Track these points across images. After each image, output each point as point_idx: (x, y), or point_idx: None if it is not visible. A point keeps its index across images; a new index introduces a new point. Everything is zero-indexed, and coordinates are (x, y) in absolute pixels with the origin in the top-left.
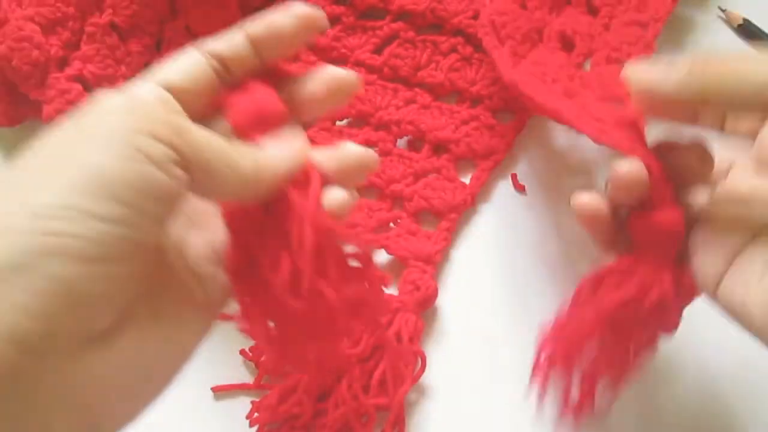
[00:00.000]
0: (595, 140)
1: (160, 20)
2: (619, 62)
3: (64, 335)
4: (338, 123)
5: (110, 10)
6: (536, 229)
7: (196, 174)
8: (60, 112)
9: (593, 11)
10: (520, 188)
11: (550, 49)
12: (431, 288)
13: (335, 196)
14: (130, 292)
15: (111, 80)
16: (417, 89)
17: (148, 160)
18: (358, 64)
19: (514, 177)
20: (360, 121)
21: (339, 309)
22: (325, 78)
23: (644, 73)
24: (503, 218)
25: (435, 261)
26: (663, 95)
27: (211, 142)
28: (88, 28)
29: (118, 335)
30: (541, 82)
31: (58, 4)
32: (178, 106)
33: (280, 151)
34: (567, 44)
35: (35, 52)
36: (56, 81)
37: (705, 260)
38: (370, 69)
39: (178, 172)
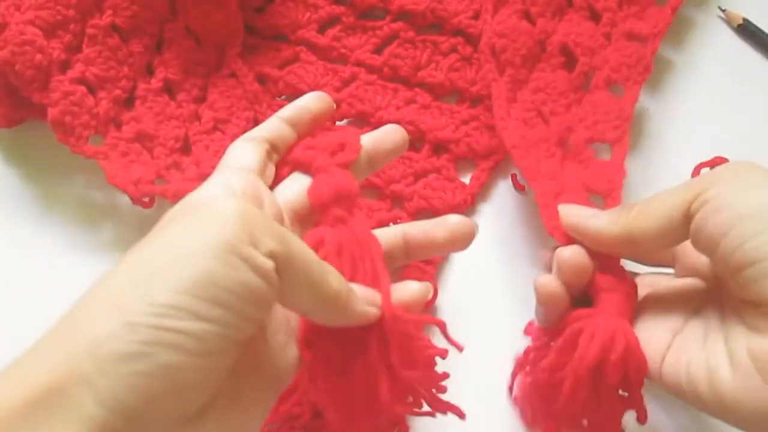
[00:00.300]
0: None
1: (160, 21)
2: (618, 84)
3: (162, 414)
4: (338, 123)
5: (110, 12)
6: (536, 229)
7: (285, 280)
8: (65, 114)
9: (595, 17)
10: (519, 188)
11: (552, 66)
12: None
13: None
14: (222, 379)
15: (113, 81)
16: (417, 89)
17: (251, 268)
18: (358, 64)
19: (513, 177)
20: (360, 121)
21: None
22: (447, 226)
23: (573, 216)
24: (503, 218)
25: (435, 261)
26: (592, 234)
27: (306, 255)
28: (89, 30)
29: (204, 416)
30: (531, 139)
31: (58, 7)
32: (278, 212)
33: (366, 296)
34: (569, 58)
35: (38, 56)
36: (59, 84)
37: (650, 337)
38: (370, 69)
39: (276, 279)
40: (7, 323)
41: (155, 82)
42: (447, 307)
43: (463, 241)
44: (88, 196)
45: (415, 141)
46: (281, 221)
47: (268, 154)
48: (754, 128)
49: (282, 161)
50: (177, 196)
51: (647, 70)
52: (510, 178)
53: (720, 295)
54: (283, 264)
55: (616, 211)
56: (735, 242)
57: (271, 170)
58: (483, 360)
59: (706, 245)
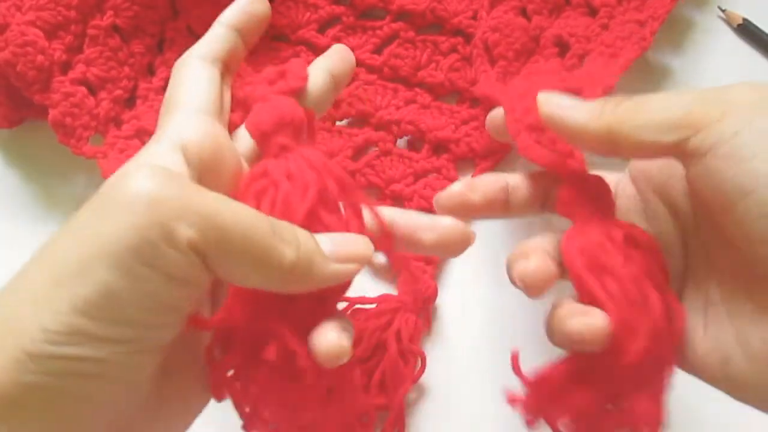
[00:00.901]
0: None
1: (161, 21)
2: (613, 56)
3: None
4: (338, 123)
5: (111, 12)
6: (536, 228)
7: (220, 264)
8: (66, 115)
9: (593, 12)
10: None
11: (546, 56)
12: (431, 288)
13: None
14: (144, 389)
15: (114, 82)
16: (417, 89)
17: (161, 273)
18: (358, 64)
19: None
20: (360, 121)
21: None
22: (438, 229)
23: (555, 105)
24: (503, 218)
25: (435, 261)
26: (571, 129)
27: (249, 228)
28: (90, 31)
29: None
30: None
31: (59, 8)
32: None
33: (338, 248)
34: (562, 48)
35: (39, 57)
36: (60, 85)
37: None
38: (370, 69)
39: (196, 277)
40: None
41: (156, 81)
42: (447, 307)
43: (454, 248)
44: (89, 196)
45: (415, 141)
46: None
47: (223, 78)
48: None
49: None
50: None
51: (644, 42)
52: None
53: (712, 253)
54: (214, 250)
55: (601, 103)
56: (762, 207)
57: (228, 98)
58: (483, 359)
59: (714, 199)
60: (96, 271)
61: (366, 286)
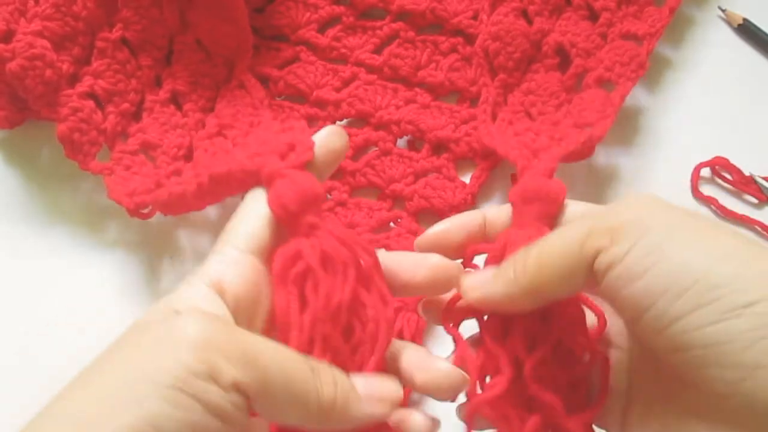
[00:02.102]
0: None
1: (170, 34)
2: (611, 83)
3: None
4: (338, 123)
5: (120, 25)
6: None
7: (262, 403)
8: (74, 131)
9: (594, 16)
10: None
11: (546, 66)
12: None
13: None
14: None
15: (122, 95)
16: (417, 89)
17: (204, 408)
18: (358, 64)
19: (513, 176)
20: (360, 121)
21: None
22: (429, 264)
23: (475, 289)
24: None
25: None
26: (500, 302)
27: (289, 370)
28: (99, 44)
29: None
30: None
31: (67, 18)
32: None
33: (373, 390)
34: (563, 58)
35: (48, 71)
36: (68, 98)
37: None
38: (370, 69)
39: (237, 416)
40: (9, 326)
41: (163, 94)
42: None
43: (445, 284)
44: (91, 196)
45: (415, 140)
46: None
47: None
48: (754, 128)
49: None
50: (168, 206)
51: (642, 67)
52: (510, 177)
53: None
54: (257, 391)
55: (508, 267)
56: (662, 321)
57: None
58: None
59: (624, 314)
60: (144, 402)
61: None
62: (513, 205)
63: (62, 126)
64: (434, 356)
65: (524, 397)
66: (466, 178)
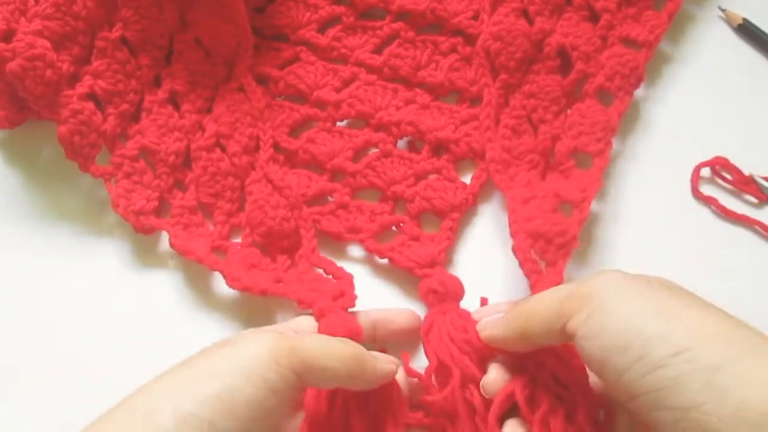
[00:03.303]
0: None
1: (169, 33)
2: (609, 92)
3: None
4: (338, 124)
5: (120, 25)
6: None
7: (309, 374)
8: (74, 134)
9: (594, 17)
10: None
11: (547, 68)
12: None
13: None
14: None
15: (122, 95)
16: (417, 89)
17: (268, 385)
18: (358, 64)
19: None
20: (360, 121)
21: None
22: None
23: (484, 329)
24: (504, 218)
25: (439, 261)
26: (499, 342)
27: (324, 343)
28: (99, 43)
29: None
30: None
31: (67, 18)
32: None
33: (382, 356)
34: (564, 60)
35: (48, 72)
36: (68, 100)
37: None
38: (370, 69)
39: (288, 393)
40: (10, 325)
41: (161, 94)
42: None
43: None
44: (91, 196)
45: (415, 142)
46: None
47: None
48: (753, 128)
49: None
50: (178, 246)
51: (639, 79)
52: None
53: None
54: (299, 364)
55: (512, 313)
56: (616, 373)
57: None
58: None
59: (592, 370)
60: (226, 377)
61: (366, 286)
62: None
63: (62, 128)
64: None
65: None
66: (467, 179)
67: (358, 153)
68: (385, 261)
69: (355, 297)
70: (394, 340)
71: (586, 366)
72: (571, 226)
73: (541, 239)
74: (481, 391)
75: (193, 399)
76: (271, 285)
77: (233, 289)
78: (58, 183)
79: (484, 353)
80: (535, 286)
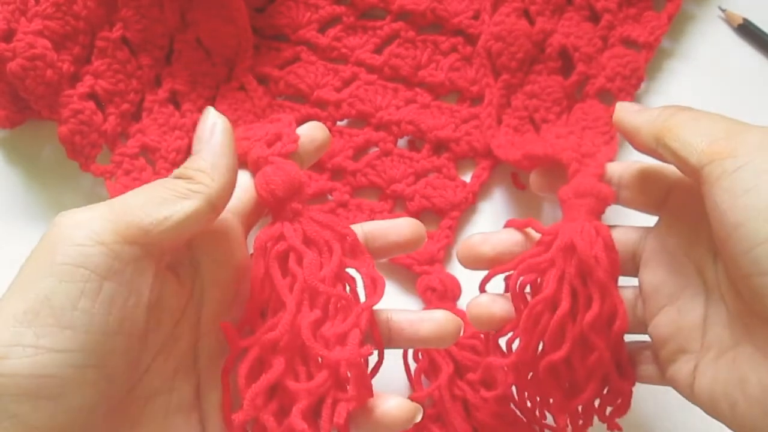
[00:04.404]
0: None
1: (170, 33)
2: (611, 93)
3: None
4: (339, 123)
5: (121, 24)
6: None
7: (147, 239)
8: (75, 133)
9: (595, 17)
10: (520, 187)
11: (549, 69)
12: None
13: None
14: (103, 406)
15: (122, 95)
16: (417, 89)
17: (96, 274)
18: (358, 64)
19: (514, 176)
20: (360, 121)
21: None
22: (434, 320)
23: (625, 111)
24: (504, 216)
25: (438, 259)
26: (629, 129)
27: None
28: (99, 43)
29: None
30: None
31: (67, 18)
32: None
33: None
34: (566, 61)
35: (49, 72)
36: (69, 100)
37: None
38: (370, 69)
39: (133, 273)
40: None
41: (162, 93)
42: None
43: (448, 338)
44: (92, 195)
45: (416, 140)
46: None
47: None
48: None
49: None
50: None
51: (640, 80)
52: (510, 176)
53: (726, 300)
54: (141, 233)
55: (658, 111)
56: (752, 240)
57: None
58: None
59: (717, 231)
60: (38, 283)
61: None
62: (563, 201)
63: (63, 128)
64: (424, 311)
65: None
66: (467, 177)
67: (359, 152)
68: (384, 258)
69: (296, 139)
70: (396, 253)
71: (707, 221)
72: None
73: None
74: (467, 312)
75: (5, 321)
76: None
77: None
78: (58, 182)
79: (478, 354)
80: (574, 173)
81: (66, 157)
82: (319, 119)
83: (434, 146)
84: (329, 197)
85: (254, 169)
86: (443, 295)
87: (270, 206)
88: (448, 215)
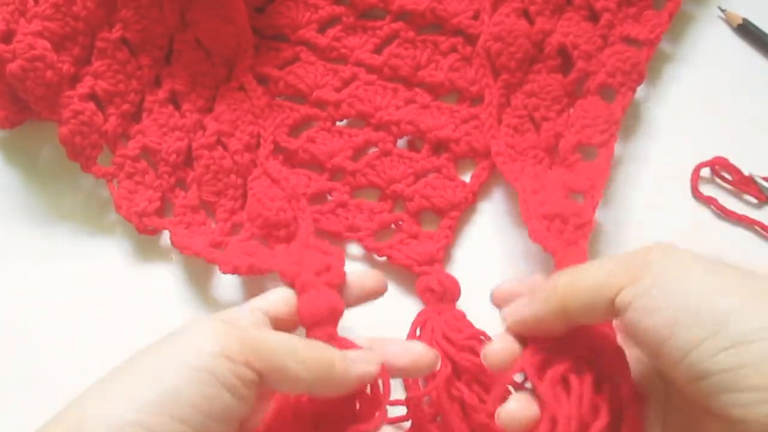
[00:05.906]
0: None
1: (169, 33)
2: (612, 88)
3: None
4: (338, 123)
5: (120, 25)
6: None
7: (269, 374)
8: (75, 134)
9: (594, 17)
10: None
11: (548, 68)
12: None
13: None
14: None
15: (122, 96)
16: (417, 89)
17: (219, 382)
18: (358, 64)
19: None
20: (360, 121)
21: None
22: (411, 351)
23: (512, 314)
24: (504, 216)
25: (437, 259)
26: (534, 322)
27: (286, 343)
28: (99, 44)
29: None
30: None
31: (67, 19)
32: (262, 320)
33: (360, 356)
34: (565, 59)
35: (49, 73)
36: (69, 100)
37: None
38: (370, 69)
39: (245, 391)
40: (11, 325)
41: (162, 93)
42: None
43: (424, 370)
44: (92, 195)
45: (415, 141)
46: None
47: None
48: (753, 128)
49: None
50: (178, 244)
51: (641, 76)
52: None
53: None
54: (257, 363)
55: (543, 288)
56: (680, 351)
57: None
58: None
59: (645, 348)
60: (166, 378)
61: None
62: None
63: (63, 129)
64: (405, 341)
65: None
66: (466, 177)
67: (358, 152)
68: (383, 259)
69: (343, 274)
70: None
71: (633, 345)
72: (585, 209)
73: (557, 219)
74: (482, 360)
75: (130, 406)
76: (259, 260)
77: (225, 273)
78: (58, 183)
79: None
80: (561, 263)
81: (66, 158)
82: (318, 119)
83: (434, 146)
84: (329, 197)
85: (300, 291)
86: (442, 296)
87: (307, 327)
88: (448, 215)
